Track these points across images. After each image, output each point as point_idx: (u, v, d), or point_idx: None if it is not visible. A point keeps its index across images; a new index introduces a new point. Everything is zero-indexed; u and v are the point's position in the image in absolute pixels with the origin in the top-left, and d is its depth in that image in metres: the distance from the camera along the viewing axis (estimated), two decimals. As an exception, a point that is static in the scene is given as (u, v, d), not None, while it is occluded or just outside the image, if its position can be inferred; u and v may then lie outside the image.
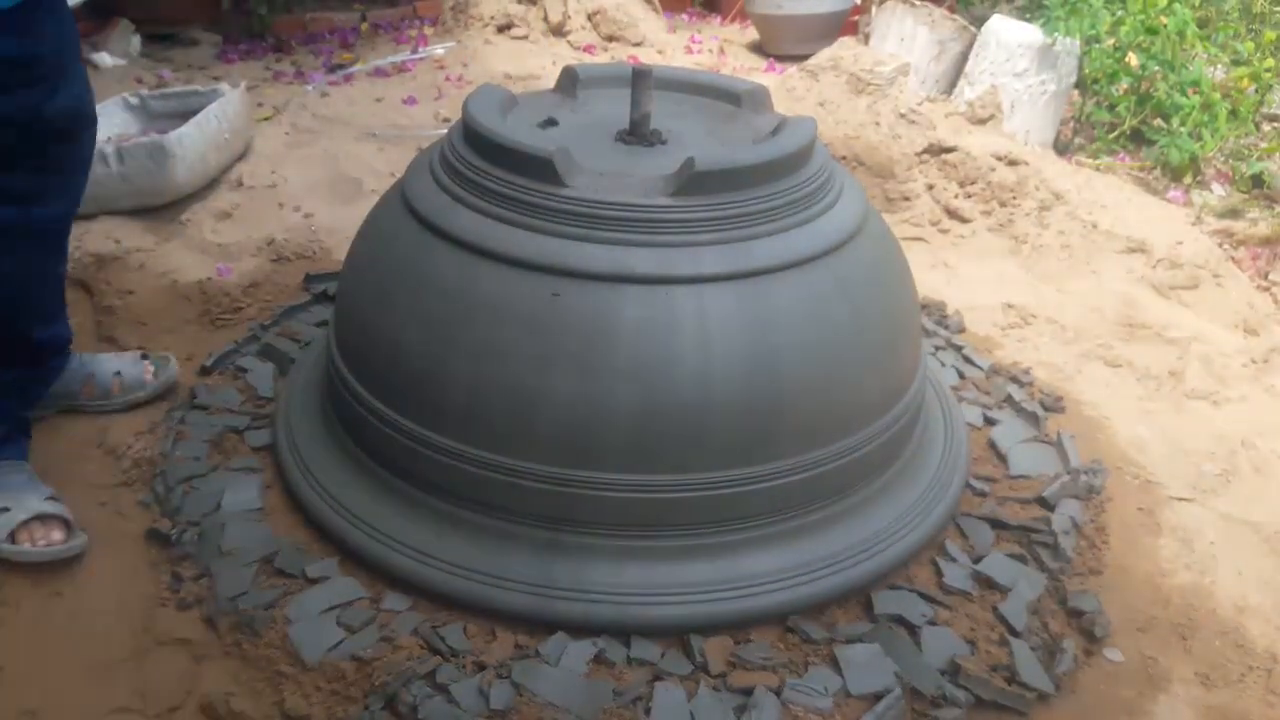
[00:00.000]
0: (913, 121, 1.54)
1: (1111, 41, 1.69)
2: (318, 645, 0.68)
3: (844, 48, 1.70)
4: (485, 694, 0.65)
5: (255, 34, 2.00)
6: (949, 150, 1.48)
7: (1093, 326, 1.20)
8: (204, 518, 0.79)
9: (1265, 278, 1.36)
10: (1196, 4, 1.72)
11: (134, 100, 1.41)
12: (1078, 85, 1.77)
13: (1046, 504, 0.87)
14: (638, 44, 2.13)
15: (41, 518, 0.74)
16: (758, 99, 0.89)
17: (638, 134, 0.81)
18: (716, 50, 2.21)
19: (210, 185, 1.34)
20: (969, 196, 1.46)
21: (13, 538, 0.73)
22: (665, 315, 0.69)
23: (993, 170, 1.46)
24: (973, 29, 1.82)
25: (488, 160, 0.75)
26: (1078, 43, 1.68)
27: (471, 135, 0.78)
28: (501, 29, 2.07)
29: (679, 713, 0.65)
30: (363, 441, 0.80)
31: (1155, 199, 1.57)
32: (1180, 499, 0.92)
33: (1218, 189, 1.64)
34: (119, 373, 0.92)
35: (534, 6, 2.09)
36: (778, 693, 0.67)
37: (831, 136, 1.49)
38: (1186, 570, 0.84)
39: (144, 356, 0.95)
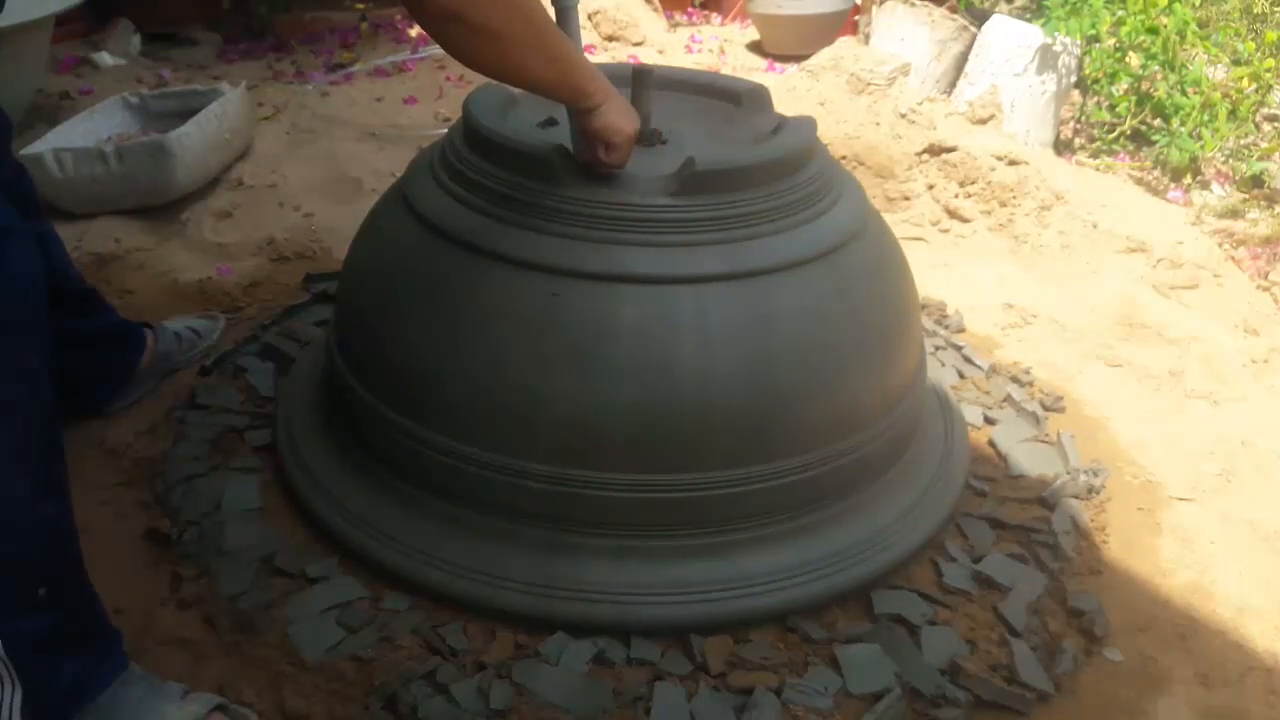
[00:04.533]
0: (913, 121, 1.54)
1: (1112, 41, 1.69)
2: (318, 645, 0.68)
3: (844, 48, 1.71)
4: (485, 694, 0.65)
5: (255, 33, 2.00)
6: (949, 150, 1.48)
7: (1093, 326, 1.20)
8: (204, 517, 0.79)
9: (1265, 277, 1.36)
10: (1197, 4, 1.72)
11: (134, 100, 1.41)
12: (1078, 85, 1.77)
13: (1046, 504, 0.87)
14: (638, 44, 2.13)
15: None
16: (758, 99, 0.88)
17: (638, 134, 0.82)
18: (717, 50, 2.21)
19: (210, 185, 1.34)
20: (969, 196, 1.46)
21: None
22: (665, 315, 0.69)
23: (993, 170, 1.46)
24: (973, 29, 1.82)
25: (488, 160, 0.75)
26: (1078, 42, 1.68)
27: (472, 135, 0.78)
28: (502, 29, 2.06)
29: (679, 713, 0.65)
30: (363, 441, 0.80)
31: (1155, 199, 1.57)
32: (1180, 499, 0.92)
33: (1218, 189, 1.64)
34: (189, 327, 1.01)
35: (534, 6, 2.08)
36: (778, 693, 0.67)
37: (832, 136, 1.49)
38: (1186, 570, 0.84)
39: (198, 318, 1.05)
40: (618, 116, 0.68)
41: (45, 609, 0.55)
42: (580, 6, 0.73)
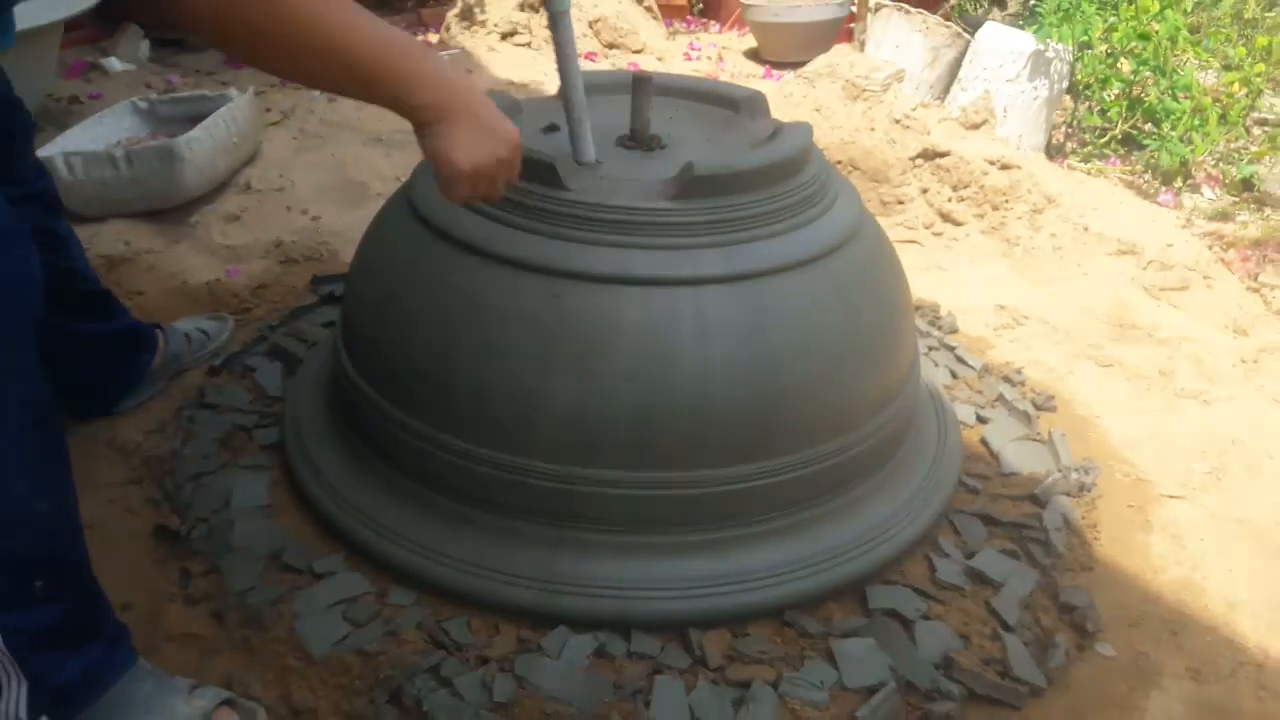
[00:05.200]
0: (907, 127, 1.55)
1: (1103, 47, 1.71)
2: (324, 639, 0.69)
3: (840, 55, 1.73)
4: (488, 687, 0.66)
5: (261, 40, 2.02)
6: (943, 155, 1.50)
7: (1084, 327, 1.21)
8: (213, 514, 0.80)
9: (1254, 279, 1.38)
10: (1188, 10, 1.73)
11: (143, 105, 1.42)
12: (1069, 90, 1.79)
13: (1038, 501, 0.88)
14: (638, 51, 2.15)
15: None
16: (755, 105, 0.90)
17: (638, 139, 0.83)
18: (715, 57, 2.24)
19: (219, 189, 1.35)
20: (962, 200, 1.48)
21: None
22: (665, 316, 0.70)
23: (985, 174, 1.47)
24: (966, 36, 1.84)
25: (491, 165, 0.77)
26: (1070, 49, 1.70)
27: (475, 140, 0.80)
28: (505, 36, 2.10)
29: (678, 705, 0.66)
30: (368, 440, 0.81)
31: (1146, 202, 1.58)
32: (1171, 496, 0.93)
33: (1208, 192, 1.66)
34: (199, 328, 1.02)
35: (537, 14, 2.11)
36: (775, 686, 0.68)
37: (827, 142, 1.50)
38: (1177, 566, 0.85)
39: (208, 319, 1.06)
40: (454, 145, 0.53)
41: (43, 602, 0.55)
42: (582, 15, 0.75)
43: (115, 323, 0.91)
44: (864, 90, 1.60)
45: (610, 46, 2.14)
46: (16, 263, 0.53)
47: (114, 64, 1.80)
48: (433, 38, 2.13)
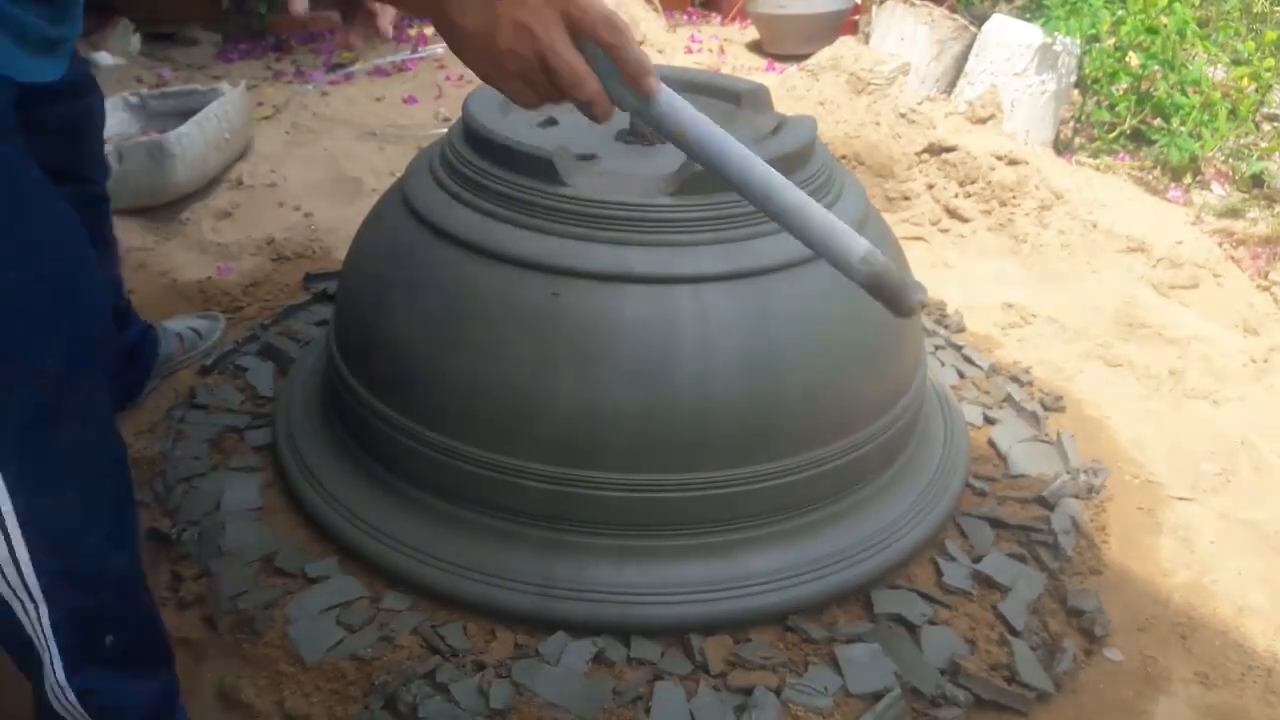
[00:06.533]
0: (913, 121, 1.54)
1: (1112, 41, 1.69)
2: (318, 645, 0.69)
3: (844, 47, 1.71)
4: (485, 693, 0.65)
5: (255, 33, 2.00)
6: (949, 150, 1.48)
7: (1093, 326, 1.20)
8: (204, 517, 0.79)
9: (1265, 277, 1.37)
10: (1197, 3, 1.72)
11: (134, 99, 1.41)
12: (1078, 85, 1.77)
13: (1046, 503, 0.87)
14: (638, 43, 2.12)
15: None
16: (758, 98, 0.89)
17: (638, 133, 0.81)
18: (716, 50, 2.21)
19: (210, 184, 1.35)
20: (969, 196, 1.46)
21: None
22: (665, 314, 0.69)
23: (993, 170, 1.46)
24: (973, 28, 1.82)
25: (488, 159, 0.75)
26: (1078, 42, 1.68)
27: (472, 134, 0.78)
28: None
29: (679, 712, 0.65)
30: (362, 441, 0.80)
31: (1155, 198, 1.57)
32: (1180, 498, 0.92)
33: (1218, 188, 1.64)
34: (190, 327, 1.01)
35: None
36: (777, 692, 0.67)
37: (831, 136, 1.49)
38: (1186, 570, 0.84)
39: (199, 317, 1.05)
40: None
41: (112, 660, 0.51)
42: (580, 6, 0.73)
43: (133, 332, 0.90)
44: (869, 83, 1.58)
45: (610, 39, 2.10)
46: (91, 295, 0.48)
47: (104, 58, 1.78)
48: (429, 29, 2.11)
